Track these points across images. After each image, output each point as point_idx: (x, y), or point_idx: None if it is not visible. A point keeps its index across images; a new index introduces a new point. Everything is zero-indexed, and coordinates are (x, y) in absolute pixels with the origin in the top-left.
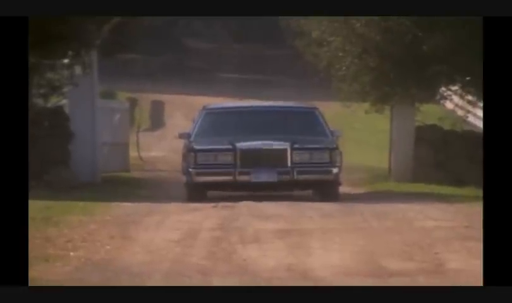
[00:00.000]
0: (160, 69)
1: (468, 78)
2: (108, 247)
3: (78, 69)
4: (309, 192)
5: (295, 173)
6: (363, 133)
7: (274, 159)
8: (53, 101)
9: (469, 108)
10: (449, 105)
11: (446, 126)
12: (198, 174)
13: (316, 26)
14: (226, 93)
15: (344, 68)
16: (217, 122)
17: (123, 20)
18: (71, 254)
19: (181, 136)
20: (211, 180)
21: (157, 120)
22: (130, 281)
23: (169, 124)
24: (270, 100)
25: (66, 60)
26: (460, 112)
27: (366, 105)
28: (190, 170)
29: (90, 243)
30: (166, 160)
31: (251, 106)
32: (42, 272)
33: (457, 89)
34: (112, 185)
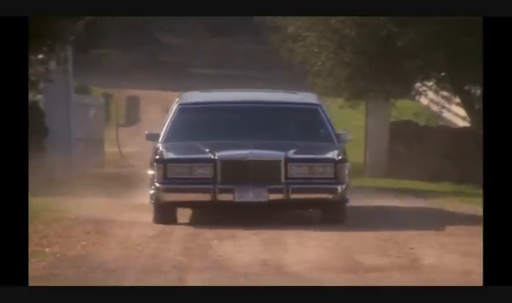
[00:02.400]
0: (134, 65)
1: (442, 74)
2: (83, 242)
3: (52, 65)
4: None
5: (290, 191)
6: (338, 129)
7: (263, 173)
8: (28, 97)
9: (445, 103)
10: (424, 100)
11: (421, 122)
12: (167, 191)
13: (291, 22)
14: (200, 87)
15: (319, 63)
16: (194, 121)
17: (94, 17)
18: (46, 249)
19: (149, 136)
20: (184, 200)
21: (132, 116)
22: (105, 277)
23: (145, 119)
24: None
25: (40, 56)
26: (435, 108)
27: (341, 100)
28: (158, 185)
29: (65, 239)
30: (141, 155)
31: (238, 101)
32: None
33: (432, 85)
34: (87, 180)
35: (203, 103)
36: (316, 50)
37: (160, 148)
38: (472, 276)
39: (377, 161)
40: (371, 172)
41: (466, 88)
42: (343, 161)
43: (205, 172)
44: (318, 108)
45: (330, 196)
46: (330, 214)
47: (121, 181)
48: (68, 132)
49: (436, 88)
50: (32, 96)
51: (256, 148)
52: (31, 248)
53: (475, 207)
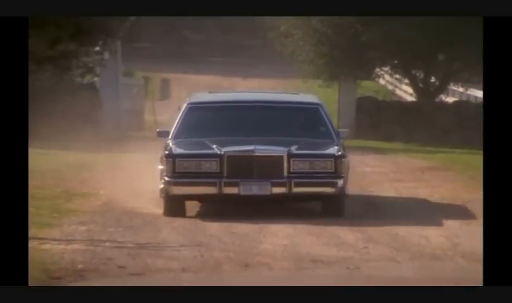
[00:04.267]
0: (165, 54)
1: (395, 61)
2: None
3: (106, 54)
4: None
5: (292, 185)
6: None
7: (267, 167)
8: (88, 79)
9: (397, 84)
10: (381, 81)
11: (379, 97)
12: (176, 184)
13: (283, 22)
14: (215, 72)
15: (304, 54)
16: (202, 119)
17: (139, 17)
18: (101, 192)
19: (160, 134)
20: (192, 193)
21: (165, 93)
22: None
23: (173, 96)
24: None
25: (97, 48)
26: (390, 87)
27: (319, 81)
28: (167, 179)
29: (113, 182)
30: (169, 122)
31: (243, 101)
32: (79, 204)
33: (387, 70)
34: (130, 140)
35: (211, 102)
36: (301, 44)
37: (170, 143)
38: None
39: (347, 127)
40: (343, 136)
41: (413, 72)
42: (343, 156)
43: (211, 166)
44: (319, 107)
45: (330, 190)
46: (330, 207)
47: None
48: (117, 105)
49: (391, 72)
50: (90, 79)
51: (259, 143)
52: (89, 191)
53: (419, 160)
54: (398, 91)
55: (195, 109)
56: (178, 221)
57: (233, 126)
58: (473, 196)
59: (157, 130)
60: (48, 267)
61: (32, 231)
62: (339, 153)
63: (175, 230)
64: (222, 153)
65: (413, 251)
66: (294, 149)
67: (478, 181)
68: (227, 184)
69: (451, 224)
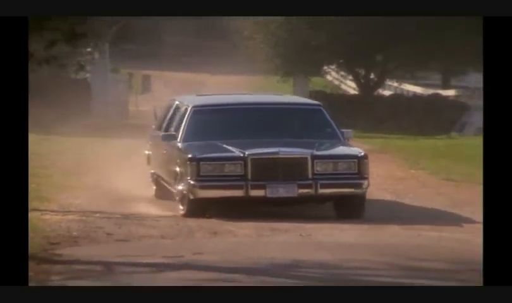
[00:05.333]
0: (147, 54)
1: (341, 61)
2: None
3: (96, 55)
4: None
5: (318, 187)
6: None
7: (292, 169)
8: (81, 75)
9: (342, 79)
10: (329, 77)
11: (328, 91)
12: (202, 188)
13: (246, 27)
14: (188, 70)
15: (264, 54)
16: (209, 122)
17: (124, 23)
18: (93, 171)
19: (166, 137)
20: (218, 196)
21: (146, 87)
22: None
23: (153, 90)
24: (222, 78)
25: (88, 49)
26: (336, 82)
27: (277, 78)
28: (192, 182)
29: (104, 163)
30: (149, 112)
31: (248, 103)
32: (74, 182)
33: (334, 68)
34: (117, 127)
35: (216, 105)
36: (262, 46)
37: (186, 147)
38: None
39: None
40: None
41: (356, 69)
42: (365, 157)
43: (235, 169)
44: (321, 108)
45: (356, 191)
46: (351, 209)
47: (137, 127)
48: (106, 97)
49: (337, 70)
50: (83, 75)
51: (276, 145)
52: (82, 170)
53: (360, 144)
54: (343, 86)
55: (200, 112)
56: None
57: (241, 128)
58: (406, 174)
59: (161, 134)
60: (47, 234)
61: (34, 204)
62: (362, 153)
63: (154, 204)
64: (246, 155)
65: (355, 221)
66: (317, 150)
67: (410, 162)
68: (254, 187)
69: (388, 197)
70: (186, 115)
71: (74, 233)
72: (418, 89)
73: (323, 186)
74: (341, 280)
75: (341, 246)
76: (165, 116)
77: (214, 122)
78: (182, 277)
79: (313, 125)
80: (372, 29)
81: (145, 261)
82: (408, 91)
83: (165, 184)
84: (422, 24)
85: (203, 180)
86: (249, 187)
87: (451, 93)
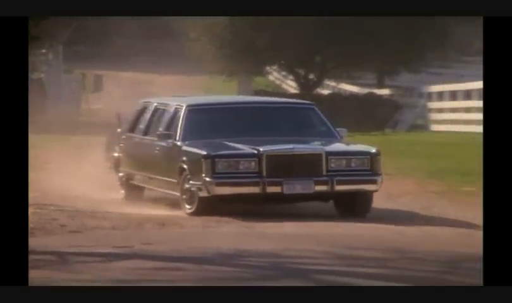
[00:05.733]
0: (98, 55)
1: (282, 62)
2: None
3: (50, 55)
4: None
5: (334, 183)
6: (222, 94)
7: (307, 166)
8: (36, 75)
9: (283, 79)
10: (271, 77)
11: (270, 90)
12: (219, 185)
13: (192, 29)
14: (137, 70)
15: (210, 55)
16: (206, 122)
17: (76, 25)
18: (48, 166)
19: (161, 136)
20: (235, 192)
21: (98, 86)
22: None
23: (105, 89)
24: (171, 78)
25: (43, 50)
26: (278, 82)
27: (223, 77)
28: (208, 179)
29: (59, 159)
30: (100, 110)
31: (242, 102)
32: (30, 176)
33: (276, 68)
34: (71, 124)
35: (212, 104)
36: (208, 47)
37: (193, 145)
38: None
39: None
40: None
41: (296, 70)
42: (378, 153)
43: (250, 166)
44: (314, 107)
45: (372, 187)
46: (359, 206)
47: (89, 123)
48: (60, 96)
49: (279, 70)
50: (38, 75)
51: (294, 143)
52: (37, 165)
53: None
54: (284, 85)
55: (196, 111)
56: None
57: (238, 127)
58: None
59: (157, 133)
60: None
61: None
62: (375, 150)
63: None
64: (262, 152)
65: (298, 213)
66: (330, 147)
67: None
68: (271, 183)
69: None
70: (182, 115)
71: (31, 225)
72: (354, 89)
73: (340, 183)
74: (280, 269)
75: (281, 236)
76: (138, 118)
77: (211, 121)
78: (132, 266)
79: (309, 123)
80: (312, 31)
81: (97, 250)
82: (345, 90)
83: (147, 185)
84: (359, 25)
85: (219, 177)
86: (266, 183)
87: (384, 92)
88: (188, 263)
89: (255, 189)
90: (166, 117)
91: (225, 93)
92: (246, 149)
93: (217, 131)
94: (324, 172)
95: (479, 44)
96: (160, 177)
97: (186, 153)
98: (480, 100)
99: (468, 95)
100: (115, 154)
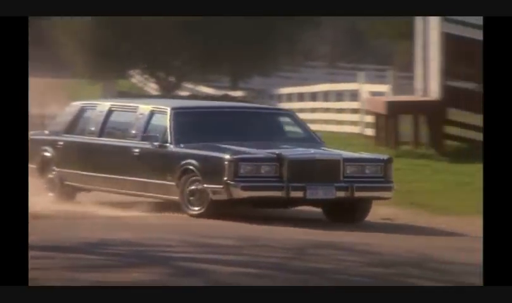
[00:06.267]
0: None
1: (144, 66)
2: None
3: None
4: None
5: (354, 190)
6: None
7: (327, 172)
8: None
9: (145, 82)
10: (134, 80)
11: (133, 92)
12: (243, 188)
13: (59, 34)
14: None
15: (76, 60)
16: (193, 124)
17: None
18: None
19: (146, 138)
20: (259, 196)
21: None
22: None
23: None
24: (46, 81)
25: None
26: (140, 84)
27: (89, 80)
28: (230, 182)
29: None
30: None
31: (227, 107)
32: None
33: (138, 71)
34: None
35: (197, 107)
36: (73, 52)
37: (199, 148)
38: None
39: None
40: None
41: (157, 73)
42: (390, 161)
43: (271, 170)
44: (293, 113)
45: (388, 194)
46: (359, 212)
47: None
48: None
49: (141, 73)
50: None
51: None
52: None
53: None
54: (146, 88)
55: (181, 114)
56: None
57: (225, 131)
58: None
59: (143, 134)
60: None
61: None
62: (387, 157)
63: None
64: (284, 157)
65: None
66: (345, 154)
67: None
68: (294, 188)
69: None
70: (168, 118)
71: None
72: (210, 91)
73: (359, 189)
74: (142, 256)
75: (141, 226)
76: (77, 120)
77: (197, 124)
78: None
79: (291, 128)
80: (171, 34)
81: None
82: (203, 92)
83: (96, 186)
84: (214, 31)
85: (242, 180)
86: (290, 188)
87: (238, 94)
88: (57, 252)
89: (278, 193)
90: (141, 120)
91: (91, 95)
92: (264, 153)
93: (205, 134)
94: (341, 178)
95: (323, 49)
96: (139, 179)
97: (194, 155)
98: (324, 101)
99: (313, 96)
100: (47, 154)
